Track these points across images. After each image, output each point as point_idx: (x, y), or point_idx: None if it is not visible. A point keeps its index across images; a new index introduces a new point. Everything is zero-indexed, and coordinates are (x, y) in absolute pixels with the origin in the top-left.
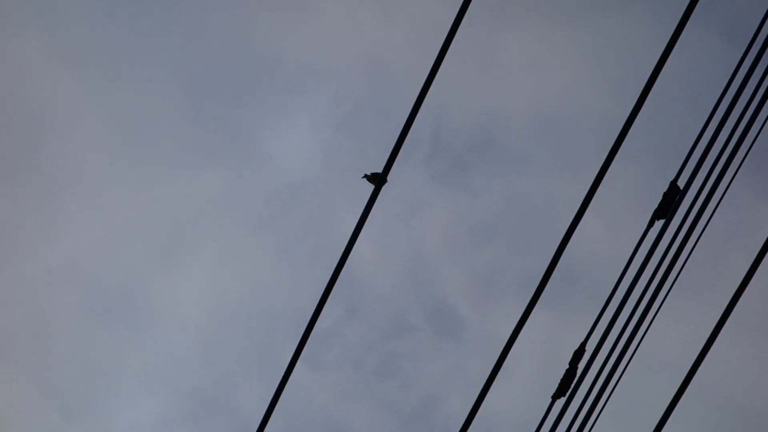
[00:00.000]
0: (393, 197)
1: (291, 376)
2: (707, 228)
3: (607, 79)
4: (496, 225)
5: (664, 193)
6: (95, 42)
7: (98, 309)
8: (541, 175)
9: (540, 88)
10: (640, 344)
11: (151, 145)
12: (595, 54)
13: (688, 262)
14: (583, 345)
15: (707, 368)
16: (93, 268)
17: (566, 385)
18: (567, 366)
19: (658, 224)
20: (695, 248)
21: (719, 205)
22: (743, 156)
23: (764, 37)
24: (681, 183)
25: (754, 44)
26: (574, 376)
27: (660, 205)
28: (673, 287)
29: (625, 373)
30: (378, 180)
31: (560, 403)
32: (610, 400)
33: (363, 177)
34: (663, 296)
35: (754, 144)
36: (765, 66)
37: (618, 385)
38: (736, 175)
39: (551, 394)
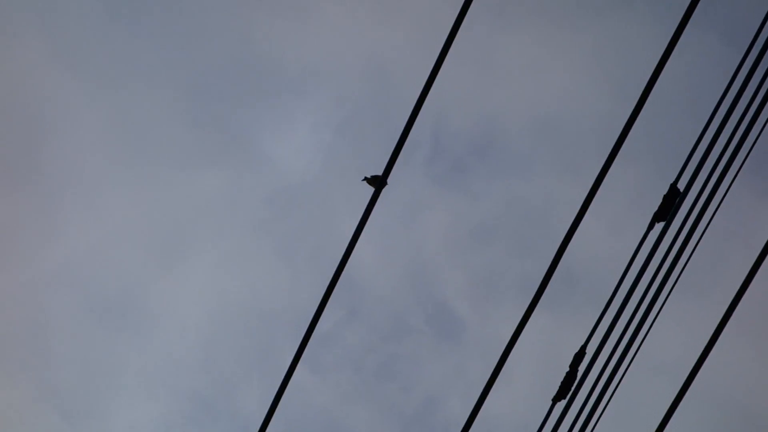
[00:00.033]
0: (393, 199)
1: (291, 378)
2: (707, 230)
3: (607, 82)
4: (496, 227)
5: (664, 195)
6: (95, 43)
7: (98, 310)
8: (541, 178)
9: (540, 91)
10: (641, 347)
11: (151, 147)
12: (595, 56)
13: (688, 264)
14: (583, 347)
15: (708, 371)
16: (93, 270)
17: (567, 388)
18: (567, 368)
19: (659, 226)
20: (695, 250)
21: (719, 208)
22: (743, 158)
23: (764, 39)
24: (681, 185)
25: (754, 46)
26: (575, 378)
27: (660, 207)
28: (674, 289)
29: (625, 375)
30: (378, 182)
31: (561, 405)
32: (610, 402)
33: (363, 179)
34: (663, 299)
35: (755, 146)
36: (765, 68)
37: (618, 388)
38: (737, 178)
39: (551, 396)
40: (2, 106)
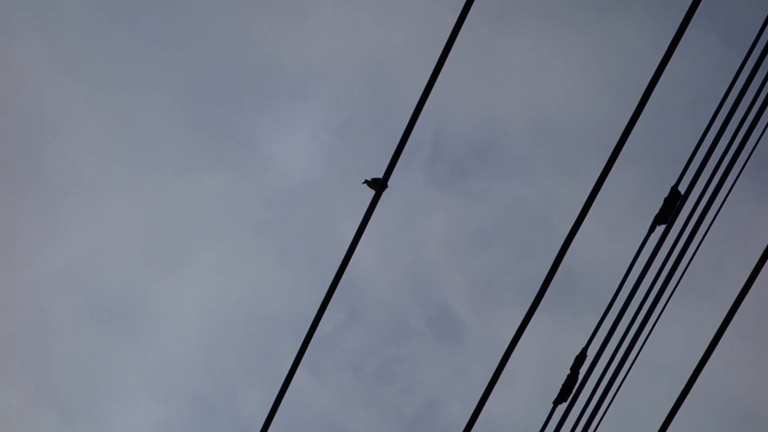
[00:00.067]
0: (393, 202)
1: (292, 380)
2: (708, 233)
3: (607, 84)
4: (496, 230)
5: (665, 198)
6: (95, 45)
7: (98, 312)
8: (542, 180)
9: (540, 93)
10: (642, 349)
11: (151, 149)
12: (595, 58)
13: (689, 267)
14: (584, 350)
15: (709, 373)
16: (93, 272)
17: (568, 391)
18: (568, 371)
19: (659, 229)
20: (696, 253)
21: (720, 211)
22: (744, 161)
23: (765, 41)
24: (682, 188)
25: (755, 48)
26: (576, 381)
27: (661, 210)
28: (675, 292)
29: (626, 378)
30: (379, 185)
31: (562, 408)
32: (611, 405)
33: (363, 182)
34: (664, 301)
35: (756, 149)
36: (766, 70)
37: (620, 391)
38: (738, 181)
39: (553, 399)
40: (2, 108)
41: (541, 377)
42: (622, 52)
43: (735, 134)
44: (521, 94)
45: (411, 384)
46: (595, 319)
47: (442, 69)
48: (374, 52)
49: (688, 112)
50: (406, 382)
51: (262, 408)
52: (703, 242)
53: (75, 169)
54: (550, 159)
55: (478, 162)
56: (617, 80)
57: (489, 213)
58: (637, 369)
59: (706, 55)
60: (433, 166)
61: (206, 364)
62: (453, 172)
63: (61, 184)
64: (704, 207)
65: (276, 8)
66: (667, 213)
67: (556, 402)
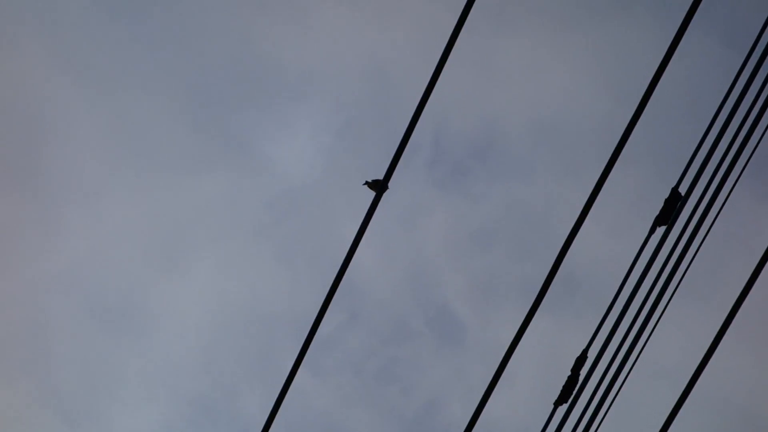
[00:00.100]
0: (394, 203)
1: (293, 381)
2: (709, 234)
3: (607, 85)
4: (497, 230)
5: (666, 199)
6: (95, 46)
7: (99, 313)
8: (543, 181)
9: (541, 94)
10: (643, 350)
11: (152, 150)
12: (595, 59)
13: (689, 268)
14: (585, 351)
15: (709, 375)
16: (94, 273)
17: (568, 392)
18: (569, 372)
19: (660, 230)
20: (697, 255)
21: (721, 212)
22: (745, 162)
23: (766, 42)
24: (682, 189)
25: (756, 49)
26: (576, 382)
27: (661, 211)
28: (675, 293)
29: (627, 379)
30: (379, 186)
31: (562, 409)
32: (612, 406)
33: (364, 184)
34: (665, 302)
35: (756, 150)
36: (766, 71)
37: (620, 392)
38: (738, 182)
39: (553, 400)
40: (3, 109)
41: (541, 378)
42: (622, 52)
43: (735, 135)
44: (522, 95)
45: (411, 385)
46: (596, 321)
47: (442, 70)
48: (374, 53)
49: (688, 113)
50: (407, 383)
51: (262, 409)
52: (703, 243)
53: (75, 170)
54: (551, 160)
55: (478, 163)
56: (617, 81)
57: (489, 214)
58: (638, 370)
59: (706, 56)
60: (434, 167)
61: (207, 364)
62: (453, 173)
63: (61, 185)
64: (705, 208)
65: (276, 9)
66: (667, 214)
67: (557, 403)
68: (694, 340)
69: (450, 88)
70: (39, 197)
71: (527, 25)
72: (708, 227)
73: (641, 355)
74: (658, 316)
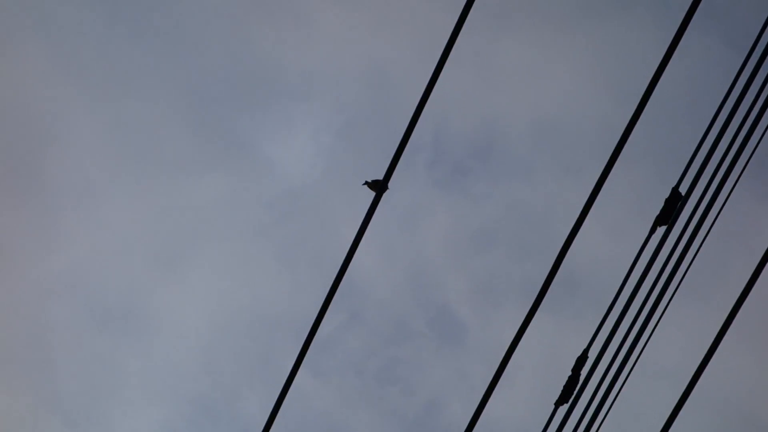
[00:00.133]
0: (394, 204)
1: (293, 382)
2: (709, 234)
3: (608, 85)
4: (497, 231)
5: (666, 199)
6: (95, 49)
7: (100, 316)
8: (543, 181)
9: (541, 94)
10: (643, 351)
11: (152, 152)
12: (595, 59)
13: (690, 268)
14: (585, 351)
15: (710, 375)
16: (95, 276)
17: (569, 392)
18: (570, 372)
19: (660, 230)
20: (697, 255)
21: (721, 212)
22: (745, 162)
23: (766, 42)
24: (683, 189)
25: (756, 49)
26: (577, 382)
27: (662, 211)
28: (676, 293)
29: (628, 379)
30: (379, 187)
31: (563, 409)
32: (613, 406)
33: (364, 184)
34: (666, 303)
35: (756, 149)
36: (766, 71)
37: (621, 392)
38: (738, 181)
39: (554, 400)
40: (3, 115)
41: (542, 378)
42: (622, 52)
43: (736, 135)
44: (521, 96)
45: (412, 385)
46: (596, 321)
47: (442, 70)
48: (374, 54)
49: (688, 113)
50: (407, 384)
51: (263, 410)
52: (704, 243)
53: (76, 173)
54: (551, 160)
55: (478, 163)
56: (617, 81)
57: (489, 214)
58: (639, 370)
59: (706, 56)
60: (434, 167)
61: (207, 366)
62: (453, 174)
63: (62, 188)
64: (705, 208)
65: (277, 11)
66: (667, 214)
67: (558, 403)
68: (695, 340)
69: (450, 88)
70: (40, 200)
71: (527, 25)
72: (708, 227)
73: (642, 356)
74: (658, 316)
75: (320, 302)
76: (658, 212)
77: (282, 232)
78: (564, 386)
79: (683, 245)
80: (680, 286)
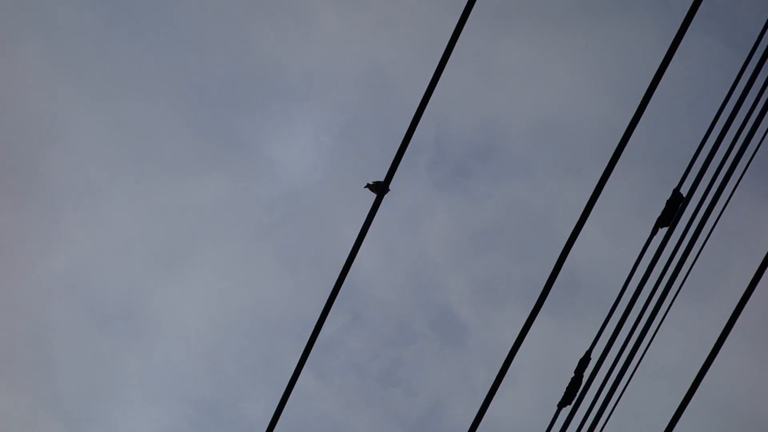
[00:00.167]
0: (395, 204)
1: (296, 384)
2: (711, 235)
3: (608, 85)
4: (498, 232)
5: (667, 200)
6: (95, 51)
7: (100, 319)
8: (544, 182)
9: (542, 95)
10: (646, 352)
11: (153, 153)
12: (596, 60)
13: (692, 269)
14: (588, 353)
15: (713, 376)
16: (95, 277)
17: (572, 393)
18: (572, 374)
19: (662, 232)
20: (699, 256)
21: (723, 213)
22: (746, 162)
23: (767, 42)
24: (684, 190)
25: (757, 50)
26: (580, 384)
27: (663, 212)
28: (678, 295)
29: (630, 380)
30: (380, 188)
31: (566, 411)
32: (616, 408)
33: (365, 186)
34: (668, 304)
35: (758, 150)
36: None
37: (624, 393)
38: (740, 182)
39: (557, 402)
40: (3, 115)
41: (544, 380)
42: (623, 53)
43: (737, 136)
44: (522, 96)
45: (414, 386)
46: (599, 322)
47: (443, 71)
48: (375, 55)
49: (689, 114)
50: (410, 385)
51: (266, 411)
52: (705, 245)
53: (76, 174)
54: (552, 161)
55: (479, 164)
56: (618, 82)
57: (491, 215)
58: (641, 372)
59: (707, 57)
60: (435, 168)
61: (209, 367)
62: (454, 175)
63: (62, 189)
64: (707, 209)
65: (278, 12)
66: (669, 215)
67: (560, 405)
68: (697, 342)
69: (451, 89)
70: (40, 200)
71: (527, 25)
72: (710, 228)
73: (644, 357)
74: (660, 318)
75: (322, 303)
76: (659, 213)
77: (283, 233)
78: (567, 388)
79: (685, 246)
80: (682, 287)
